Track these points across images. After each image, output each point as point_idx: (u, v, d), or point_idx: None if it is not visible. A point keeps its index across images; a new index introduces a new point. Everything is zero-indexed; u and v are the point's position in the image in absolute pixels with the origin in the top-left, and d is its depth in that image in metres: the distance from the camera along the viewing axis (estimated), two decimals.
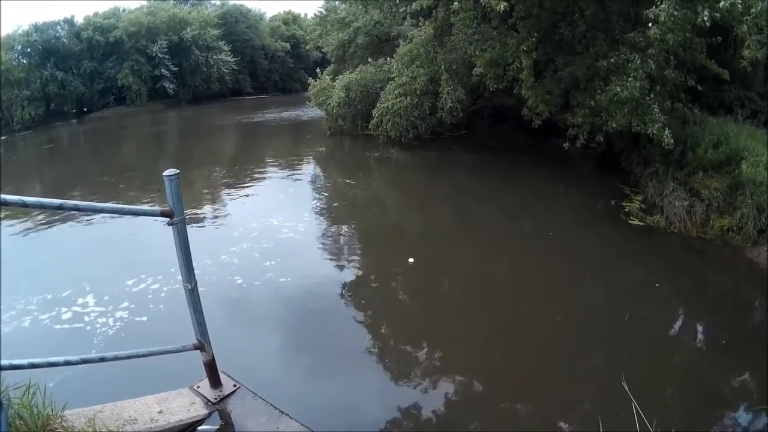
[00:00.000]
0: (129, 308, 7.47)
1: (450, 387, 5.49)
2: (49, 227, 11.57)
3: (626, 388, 2.72)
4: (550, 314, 6.68)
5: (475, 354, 6.11)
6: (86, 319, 7.32)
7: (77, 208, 3.06)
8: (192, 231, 10.81)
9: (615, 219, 9.68)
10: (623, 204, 10.17)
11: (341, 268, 8.73)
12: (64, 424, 2.91)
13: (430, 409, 5.13)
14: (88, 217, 11.71)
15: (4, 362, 2.73)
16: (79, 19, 46.87)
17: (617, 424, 3.09)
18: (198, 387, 3.62)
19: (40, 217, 11.93)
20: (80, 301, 7.80)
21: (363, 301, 7.67)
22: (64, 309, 7.60)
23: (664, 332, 6.51)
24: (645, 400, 2.94)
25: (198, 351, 3.51)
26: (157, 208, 3.13)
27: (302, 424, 3.32)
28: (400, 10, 19.28)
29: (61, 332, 7.08)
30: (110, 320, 7.24)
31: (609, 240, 9.12)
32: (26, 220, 11.91)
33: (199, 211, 12.80)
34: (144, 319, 7.21)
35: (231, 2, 56.62)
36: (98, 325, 7.13)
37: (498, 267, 8.40)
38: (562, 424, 4.79)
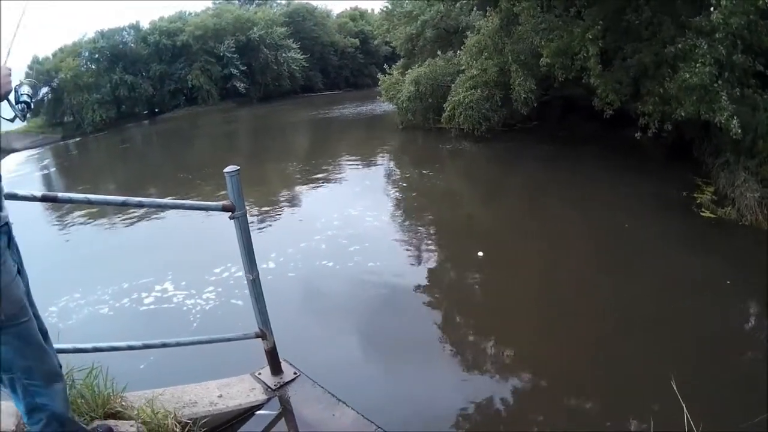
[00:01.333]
0: (206, 295, 7.97)
1: (511, 381, 5.53)
2: (137, 222, 12.55)
3: (674, 388, 2.61)
4: (618, 309, 6.64)
5: (540, 348, 6.09)
6: (164, 305, 7.90)
7: (141, 205, 3.35)
8: (274, 222, 11.83)
9: (686, 211, 9.44)
10: (694, 195, 9.88)
11: (414, 258, 8.98)
12: (123, 404, 3.03)
13: (489, 403, 5.17)
14: (174, 213, 12.30)
15: (69, 346, 2.96)
16: (145, 24, 48.35)
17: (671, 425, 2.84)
18: (259, 374, 3.72)
19: (136, 214, 12.80)
20: (159, 287, 8.44)
21: (432, 292, 7.81)
22: (144, 294, 8.28)
23: (733, 332, 6.31)
24: (696, 402, 2.87)
25: (260, 339, 3.62)
26: (219, 203, 3.23)
27: (358, 412, 3.35)
28: (462, 1, 19.49)
29: (144, 314, 7.70)
30: (187, 306, 7.77)
31: (679, 233, 8.93)
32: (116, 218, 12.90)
33: (279, 204, 13.51)
34: (217, 305, 7.66)
35: (297, 1, 56.98)
36: (177, 311, 7.68)
37: (567, 260, 8.38)
38: (621, 422, 4.77)
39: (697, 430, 2.36)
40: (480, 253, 8.58)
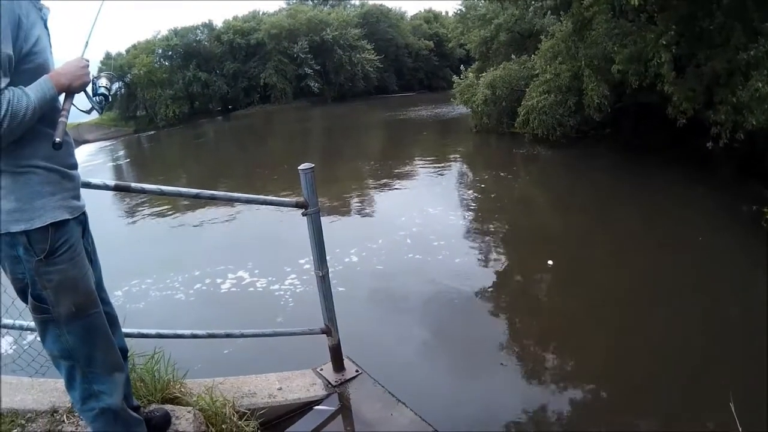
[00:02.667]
0: (275, 288, 8.27)
1: (572, 391, 5.49)
2: (214, 218, 13.07)
3: (733, 410, 2.51)
4: (679, 326, 6.51)
5: (598, 363, 6.03)
6: (234, 297, 8.22)
7: (214, 197, 3.25)
8: (356, 219, 12.40)
9: (755, 225, 9.00)
10: (764, 210, 9.23)
11: (483, 262, 9.06)
12: (182, 390, 3.07)
13: (550, 412, 5.13)
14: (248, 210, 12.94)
15: (133, 330, 3.00)
16: (218, 23, 50.15)
17: None
18: (321, 369, 3.73)
19: (211, 211, 13.38)
20: (231, 279, 8.85)
21: (500, 297, 7.88)
22: (218, 281, 8.77)
23: None
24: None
25: (325, 335, 3.66)
26: (292, 199, 3.26)
27: (416, 413, 3.33)
28: (535, 5, 19.53)
29: (212, 304, 8.02)
30: (257, 298, 8.07)
31: (746, 248, 8.59)
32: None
33: (360, 201, 14.12)
34: (288, 299, 7.88)
35: (371, 2, 57.77)
36: (246, 303, 7.95)
37: (631, 273, 8.18)
38: None
39: None
40: (550, 262, 8.59)
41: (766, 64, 9.79)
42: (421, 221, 11.24)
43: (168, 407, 2.84)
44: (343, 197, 14.20)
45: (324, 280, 3.49)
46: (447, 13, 57.45)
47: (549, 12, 19.75)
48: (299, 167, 3.17)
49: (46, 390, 2.99)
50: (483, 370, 5.95)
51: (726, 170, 12.59)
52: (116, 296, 7.85)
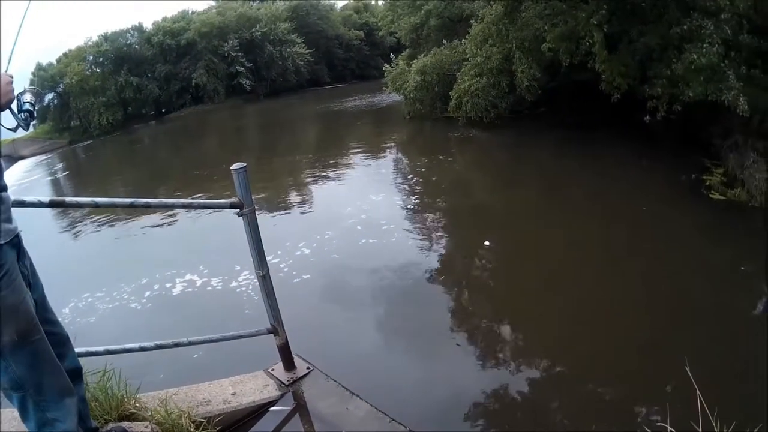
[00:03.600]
0: (220, 292, 8.14)
1: (531, 366, 5.55)
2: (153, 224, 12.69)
3: (690, 374, 2.54)
4: (629, 294, 6.64)
5: (553, 335, 6.10)
6: (181, 302, 8.11)
7: (148, 205, 3.19)
8: (302, 212, 12.25)
9: (696, 193, 9.31)
10: (704, 177, 9.76)
11: (425, 247, 9.00)
12: (137, 405, 3.04)
13: (510, 388, 5.18)
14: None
15: (82, 350, 2.86)
16: (148, 25, 49.03)
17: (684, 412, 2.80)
18: (272, 370, 3.74)
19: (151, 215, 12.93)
20: (184, 279, 8.77)
21: (443, 281, 7.84)
22: (168, 284, 8.64)
23: (744, 317, 6.08)
24: (711, 390, 2.70)
25: (272, 336, 3.64)
26: (227, 200, 3.26)
27: (372, 405, 3.37)
28: None
29: (159, 312, 7.90)
30: (202, 303, 7.91)
31: (689, 215, 8.83)
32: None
33: (301, 195, 13.92)
34: (232, 302, 7.72)
35: None
36: (192, 308, 7.80)
37: (579, 245, 8.33)
38: (631, 409, 4.71)
39: (711, 415, 2.36)
40: (486, 243, 8.66)
41: (701, 37, 9.83)
42: (367, 208, 11.28)
43: (125, 424, 2.84)
44: (286, 192, 14.24)
45: (265, 280, 3.45)
46: (377, 2, 57.62)
47: None
48: (231, 167, 3.14)
49: (5, 420, 2.87)
50: (438, 354, 5.96)
51: (665, 142, 12.86)
52: (64, 314, 7.82)
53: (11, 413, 2.76)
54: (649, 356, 5.38)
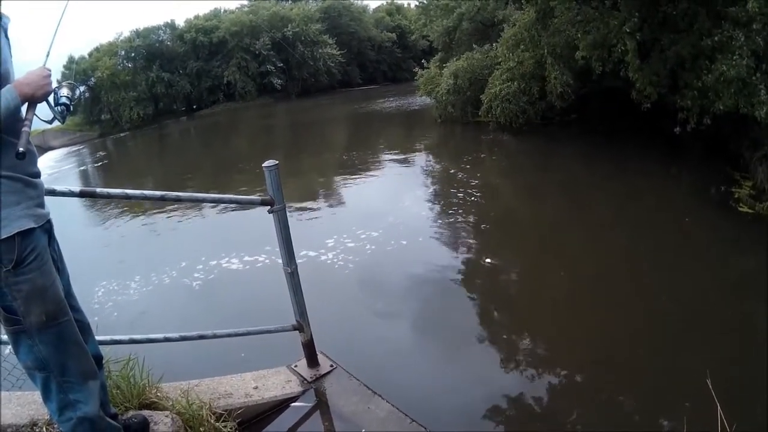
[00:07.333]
0: (249, 287, 8.24)
1: (553, 373, 5.51)
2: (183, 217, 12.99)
3: (710, 386, 2.47)
4: (654, 306, 6.55)
5: (575, 345, 6.07)
6: (209, 295, 8.23)
7: (179, 199, 3.27)
8: (334, 211, 12.35)
9: (724, 206, 9.15)
10: (732, 190, 9.59)
11: (454, 252, 9.01)
12: (159, 394, 3.07)
13: (530, 395, 5.14)
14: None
15: (106, 338, 2.99)
16: (180, 23, 49.76)
17: (702, 426, 2.83)
18: (295, 366, 3.77)
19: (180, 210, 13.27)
20: (213, 273, 8.91)
21: (479, 285, 7.87)
22: (191, 281, 8.73)
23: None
24: (732, 404, 2.79)
25: (297, 332, 3.68)
26: (258, 197, 3.30)
27: (393, 405, 3.37)
28: None
29: (185, 305, 8.02)
30: (231, 297, 8.01)
31: (716, 228, 8.73)
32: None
33: (330, 194, 14.14)
34: (261, 297, 7.71)
35: None
36: (220, 301, 7.93)
37: (605, 256, 8.27)
38: (649, 420, 4.67)
39: (730, 430, 2.34)
40: (487, 260, 8.53)
41: (731, 49, 9.69)
42: (397, 210, 11.26)
43: (146, 413, 2.86)
44: (315, 190, 14.33)
45: (293, 276, 3.48)
46: (409, 4, 57.27)
47: (510, 1, 19.57)
48: (263, 164, 3.17)
49: (24, 403, 2.97)
50: (462, 358, 5.94)
51: (693, 153, 12.69)
52: (88, 302, 7.69)
53: (31, 396, 2.94)
54: (670, 368, 5.35)
